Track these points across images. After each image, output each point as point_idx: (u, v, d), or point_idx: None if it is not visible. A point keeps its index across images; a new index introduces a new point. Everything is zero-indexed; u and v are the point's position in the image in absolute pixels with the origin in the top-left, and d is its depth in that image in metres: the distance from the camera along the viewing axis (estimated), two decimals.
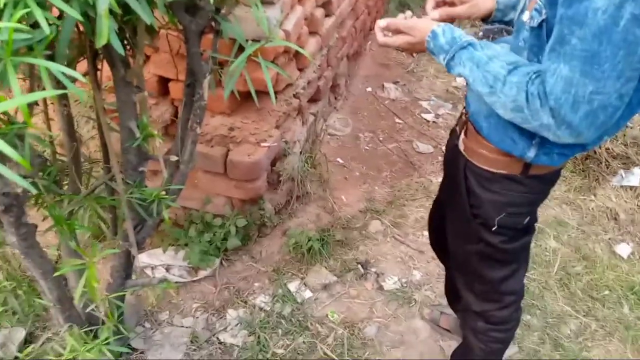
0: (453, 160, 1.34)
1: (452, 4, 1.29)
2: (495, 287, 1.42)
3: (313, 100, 2.73)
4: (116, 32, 0.82)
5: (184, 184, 1.39)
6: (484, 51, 1.05)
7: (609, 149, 2.66)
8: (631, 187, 2.60)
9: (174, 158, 1.32)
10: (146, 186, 1.34)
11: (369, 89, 3.55)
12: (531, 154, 1.13)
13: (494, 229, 1.26)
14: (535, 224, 1.37)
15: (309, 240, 2.14)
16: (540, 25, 0.99)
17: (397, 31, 1.19)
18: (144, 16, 0.79)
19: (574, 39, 0.88)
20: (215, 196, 2.10)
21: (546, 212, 2.56)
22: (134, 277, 1.98)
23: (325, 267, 2.20)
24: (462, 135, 1.28)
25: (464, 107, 1.31)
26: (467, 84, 1.16)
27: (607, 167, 2.67)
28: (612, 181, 2.65)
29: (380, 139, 3.09)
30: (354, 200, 2.60)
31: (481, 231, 1.30)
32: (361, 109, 3.33)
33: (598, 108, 0.90)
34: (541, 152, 1.13)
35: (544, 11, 0.97)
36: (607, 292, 2.10)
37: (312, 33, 2.43)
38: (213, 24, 1.15)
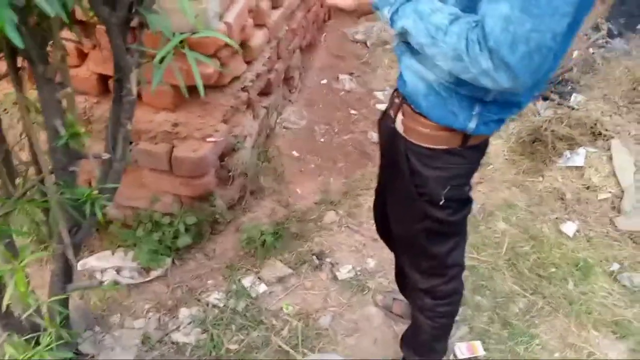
0: (391, 144, 1.36)
1: None
2: (441, 261, 1.47)
3: (264, 93, 2.72)
4: (22, 25, 0.79)
5: (118, 182, 1.36)
6: (427, 5, 1.06)
7: (554, 131, 2.74)
8: (577, 167, 2.68)
9: (105, 156, 1.29)
10: (79, 186, 1.31)
11: (324, 81, 3.55)
12: (472, 124, 1.17)
13: (441, 203, 1.30)
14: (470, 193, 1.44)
15: (262, 235, 2.13)
16: None
17: None
18: (44, 6, 0.76)
19: None
20: (163, 194, 2.07)
21: (496, 195, 2.62)
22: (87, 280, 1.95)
23: (280, 261, 2.19)
24: (400, 117, 1.30)
25: (395, 90, 1.33)
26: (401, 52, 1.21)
27: (554, 149, 2.75)
28: (558, 162, 2.72)
29: (336, 130, 3.09)
30: (309, 192, 2.60)
31: (427, 208, 1.33)
32: (316, 101, 3.33)
33: (534, 49, 0.92)
34: (480, 122, 1.17)
35: None
36: (553, 269, 2.16)
37: (259, 25, 2.41)
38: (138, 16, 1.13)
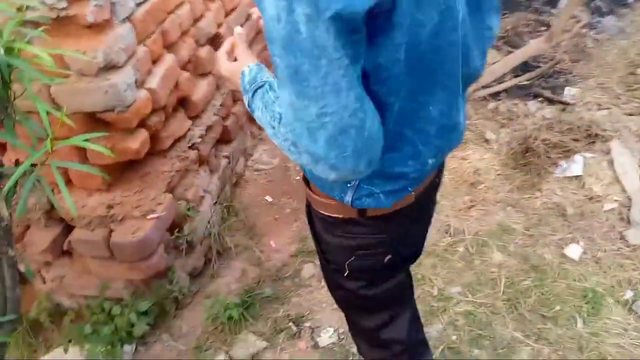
0: (306, 206, 1.20)
1: None
2: (373, 337, 1.29)
3: (225, 141, 2.52)
4: None
5: (17, 311, 1.17)
6: (277, 92, 0.88)
7: (545, 139, 2.48)
8: (575, 177, 2.42)
9: None
10: None
11: None
12: (349, 197, 0.98)
13: (345, 274, 1.13)
14: (408, 262, 1.25)
15: (226, 310, 1.92)
16: None
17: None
18: None
19: (276, 59, 0.73)
20: (113, 280, 1.88)
21: (490, 218, 2.37)
22: None
23: (254, 332, 1.98)
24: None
25: None
26: None
27: (548, 159, 2.49)
28: (554, 173, 2.46)
29: None
30: (284, 243, 2.39)
31: (336, 277, 1.19)
32: None
33: (336, 132, 0.74)
34: (362, 194, 0.97)
35: None
36: (558, 307, 1.91)
37: (202, 75, 2.22)
38: None
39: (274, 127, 0.85)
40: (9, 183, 0.93)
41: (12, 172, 0.96)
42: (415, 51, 0.80)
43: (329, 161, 0.77)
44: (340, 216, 1.04)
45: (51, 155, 1.01)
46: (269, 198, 2.65)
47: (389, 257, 1.11)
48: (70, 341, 1.87)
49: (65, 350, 1.85)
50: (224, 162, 2.45)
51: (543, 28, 3.96)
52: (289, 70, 0.72)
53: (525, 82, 3.29)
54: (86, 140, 1.10)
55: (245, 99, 0.96)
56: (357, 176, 0.84)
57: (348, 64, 0.71)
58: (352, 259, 1.09)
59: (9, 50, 0.83)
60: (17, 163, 0.96)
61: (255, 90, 0.93)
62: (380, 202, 0.98)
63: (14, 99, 1.02)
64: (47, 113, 1.04)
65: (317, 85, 0.71)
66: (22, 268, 1.39)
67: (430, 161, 0.99)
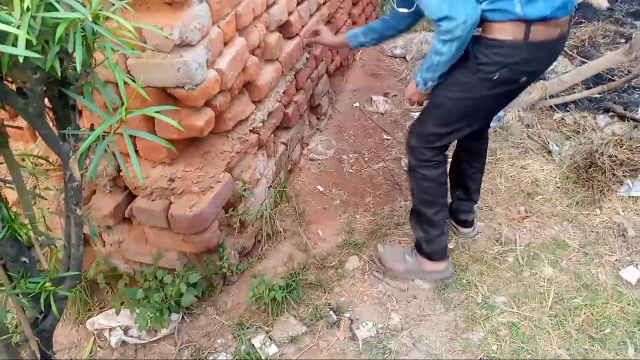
0: None
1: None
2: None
3: (284, 128, 2.57)
4: None
5: (79, 269, 1.25)
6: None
7: (612, 155, 2.37)
8: None
9: (59, 243, 1.18)
10: (36, 275, 1.21)
11: (356, 104, 3.35)
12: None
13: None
14: None
15: (270, 291, 1.97)
16: None
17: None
18: None
19: None
20: (167, 250, 1.96)
21: (544, 232, 2.30)
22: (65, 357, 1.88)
23: (295, 316, 2.02)
24: None
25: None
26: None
27: (614, 176, 2.39)
28: (618, 192, 2.36)
29: (366, 159, 2.89)
30: (331, 234, 2.41)
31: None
32: (347, 128, 3.14)
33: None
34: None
35: None
36: (609, 330, 1.84)
37: (269, 61, 2.26)
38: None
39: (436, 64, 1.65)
40: (84, 145, 0.98)
41: (86, 136, 1.03)
42: None
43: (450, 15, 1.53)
44: None
45: (122, 125, 1.07)
46: (320, 187, 2.68)
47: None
48: (122, 304, 1.97)
49: (117, 312, 1.95)
50: (281, 148, 2.50)
51: (622, 40, 3.77)
52: None
53: (597, 95, 3.15)
54: (157, 112, 1.15)
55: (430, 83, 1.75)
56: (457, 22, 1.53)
57: None
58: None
59: (96, 17, 0.88)
60: (92, 129, 1.02)
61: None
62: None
63: (95, 66, 1.08)
64: (125, 83, 1.10)
65: None
66: (86, 229, 1.47)
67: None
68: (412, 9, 1.81)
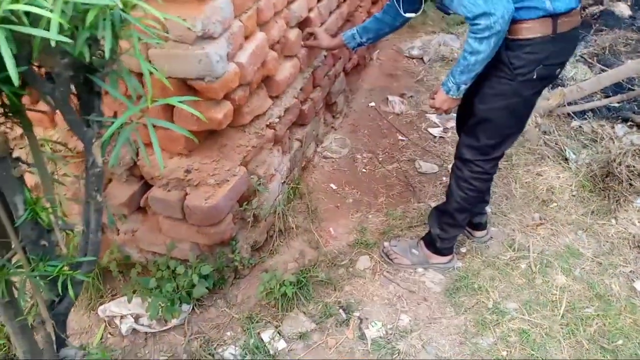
0: None
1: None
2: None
3: (300, 124, 2.57)
4: None
5: (96, 254, 1.26)
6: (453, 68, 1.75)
7: (630, 165, 2.35)
8: None
9: (78, 227, 1.19)
10: (54, 259, 1.22)
11: (372, 104, 3.34)
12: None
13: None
14: None
15: (281, 286, 1.97)
16: None
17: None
18: None
19: None
20: (180, 241, 1.97)
21: (558, 240, 2.28)
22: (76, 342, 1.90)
23: (304, 313, 2.03)
24: None
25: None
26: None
27: (631, 186, 2.36)
28: (635, 202, 2.33)
29: (380, 159, 2.88)
30: (343, 232, 2.41)
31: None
32: (362, 127, 3.13)
33: None
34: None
35: None
36: (621, 341, 1.82)
37: (288, 57, 2.26)
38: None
39: (472, 64, 1.63)
40: (109, 131, 0.99)
41: (109, 124, 1.03)
42: None
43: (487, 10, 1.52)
44: None
45: (145, 114, 1.07)
46: (333, 186, 2.68)
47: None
48: (134, 292, 1.98)
49: (129, 300, 1.96)
50: (296, 144, 2.50)
51: None
52: None
53: (616, 104, 3.12)
54: (180, 102, 1.16)
55: (463, 87, 1.73)
56: (495, 16, 1.53)
57: None
58: None
59: (125, 5, 0.88)
60: (115, 116, 1.03)
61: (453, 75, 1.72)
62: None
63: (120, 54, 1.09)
64: (150, 73, 1.11)
65: None
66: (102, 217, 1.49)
67: None
68: (419, 13, 1.87)
